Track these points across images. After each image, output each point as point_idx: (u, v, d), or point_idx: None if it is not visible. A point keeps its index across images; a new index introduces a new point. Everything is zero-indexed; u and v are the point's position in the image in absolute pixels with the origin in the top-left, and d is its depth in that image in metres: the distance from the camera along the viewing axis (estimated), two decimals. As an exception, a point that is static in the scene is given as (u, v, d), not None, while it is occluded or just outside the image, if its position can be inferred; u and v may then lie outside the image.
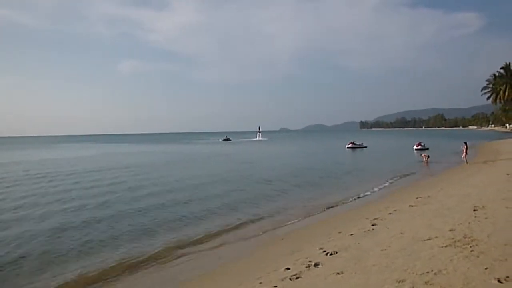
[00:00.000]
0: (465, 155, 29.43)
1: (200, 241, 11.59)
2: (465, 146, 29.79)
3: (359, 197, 18.03)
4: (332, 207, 16.08)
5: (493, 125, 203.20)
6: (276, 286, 6.51)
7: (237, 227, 13.23)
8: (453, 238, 7.36)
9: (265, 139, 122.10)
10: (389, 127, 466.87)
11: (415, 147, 50.03)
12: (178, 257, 10.22)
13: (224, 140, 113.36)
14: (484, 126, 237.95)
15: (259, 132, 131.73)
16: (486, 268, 5.50)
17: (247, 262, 9.31)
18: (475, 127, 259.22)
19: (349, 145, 61.22)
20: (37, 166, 39.09)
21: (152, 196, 19.47)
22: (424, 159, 32.91)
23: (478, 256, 6.08)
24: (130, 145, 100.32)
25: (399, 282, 5.55)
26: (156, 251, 10.68)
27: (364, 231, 9.82)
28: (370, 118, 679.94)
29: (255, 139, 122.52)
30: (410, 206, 12.71)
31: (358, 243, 8.53)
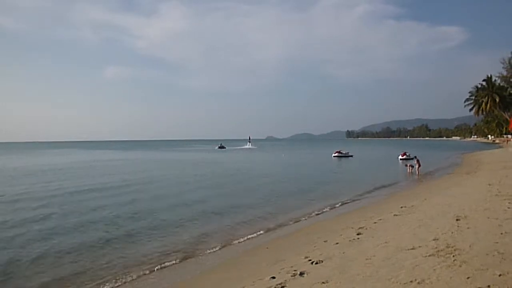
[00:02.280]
0: (418, 168, 31.80)
1: (182, 250, 11.43)
2: (417, 160, 32.92)
3: (344, 206, 18.12)
4: (317, 215, 16.14)
5: (475, 136, 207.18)
6: (260, 296, 6.48)
7: (220, 235, 13.11)
8: (436, 248, 7.44)
9: (255, 147, 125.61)
10: (375, 137, 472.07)
11: (400, 157, 50.65)
12: (160, 266, 10.05)
13: (219, 147, 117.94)
14: (467, 137, 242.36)
15: (250, 141, 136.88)
16: (468, 278, 5.57)
17: (231, 271, 9.22)
18: (459, 138, 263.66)
19: (335, 154, 61.66)
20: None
21: (133, 202, 19.28)
22: (408, 170, 33.33)
23: (460, 266, 6.16)
24: (120, 152, 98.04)
25: (383, 291, 5.58)
26: (131, 261, 10.48)
27: (349, 240, 9.87)
28: (357, 127, 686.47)
29: (245, 147, 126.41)
30: (394, 215, 12.84)
31: (343, 252, 8.56)
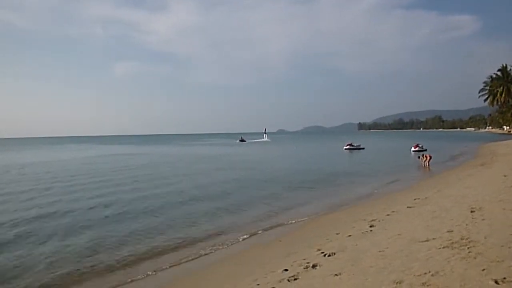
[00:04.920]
0: (429, 160, 31.82)
1: (195, 241, 11.60)
2: (426, 155, 32.90)
3: (356, 198, 18.04)
4: (329, 208, 16.10)
5: (490, 127, 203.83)
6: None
7: (233, 227, 13.22)
8: (450, 240, 7.37)
9: (269, 140, 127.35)
10: (387, 129, 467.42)
11: (412, 148, 50.10)
12: (172, 257, 10.21)
13: (240, 141, 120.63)
14: (482, 128, 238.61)
15: (265, 133, 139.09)
16: (483, 269, 5.51)
17: (244, 263, 9.29)
18: (473, 128, 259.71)
19: (347, 147, 61.30)
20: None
21: (150, 195, 19.49)
22: (421, 162, 32.91)
23: (475, 258, 6.10)
24: (140, 147, 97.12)
25: (396, 283, 5.56)
26: (150, 251, 10.71)
27: (362, 232, 9.84)
28: (368, 119, 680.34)
29: (261, 140, 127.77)
30: (407, 207, 12.74)
31: (356, 244, 8.54)
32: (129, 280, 8.77)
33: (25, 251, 10.86)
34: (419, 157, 34.44)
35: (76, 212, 15.97)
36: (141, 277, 8.92)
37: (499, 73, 74.89)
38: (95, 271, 9.31)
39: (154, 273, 9.18)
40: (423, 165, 31.85)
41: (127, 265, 9.67)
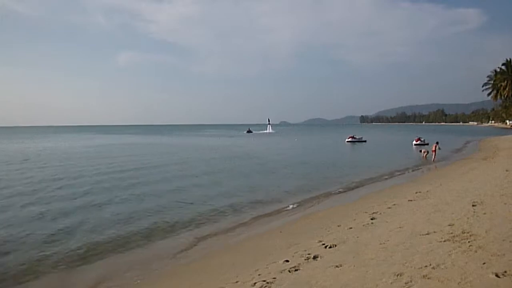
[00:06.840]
0: (434, 149, 31.15)
1: (196, 231, 11.64)
2: (436, 144, 31.92)
3: (358, 191, 18.06)
4: (330, 200, 16.13)
5: (493, 121, 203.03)
6: (275, 278, 6.55)
7: (234, 217, 13.27)
8: (451, 233, 7.40)
9: (274, 131, 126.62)
10: (390, 122, 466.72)
11: (414, 142, 49.98)
12: (173, 247, 10.27)
13: (247, 132, 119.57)
14: (484, 122, 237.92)
15: (269, 124, 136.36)
16: (484, 263, 5.54)
17: (245, 254, 9.32)
18: (476, 123, 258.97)
19: (349, 139, 61.23)
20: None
21: (150, 182, 19.59)
22: (423, 155, 32.79)
23: (476, 251, 6.13)
24: (150, 137, 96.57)
25: (397, 275, 5.60)
26: (150, 241, 10.79)
27: (363, 225, 9.88)
28: (371, 112, 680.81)
29: (266, 131, 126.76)
30: (409, 200, 12.77)
31: (357, 237, 8.58)
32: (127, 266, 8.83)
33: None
34: (420, 151, 34.33)
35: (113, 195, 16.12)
36: (138, 268, 8.96)
37: (503, 67, 74.30)
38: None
39: (156, 261, 9.25)
40: (426, 158, 31.79)
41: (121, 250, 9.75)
